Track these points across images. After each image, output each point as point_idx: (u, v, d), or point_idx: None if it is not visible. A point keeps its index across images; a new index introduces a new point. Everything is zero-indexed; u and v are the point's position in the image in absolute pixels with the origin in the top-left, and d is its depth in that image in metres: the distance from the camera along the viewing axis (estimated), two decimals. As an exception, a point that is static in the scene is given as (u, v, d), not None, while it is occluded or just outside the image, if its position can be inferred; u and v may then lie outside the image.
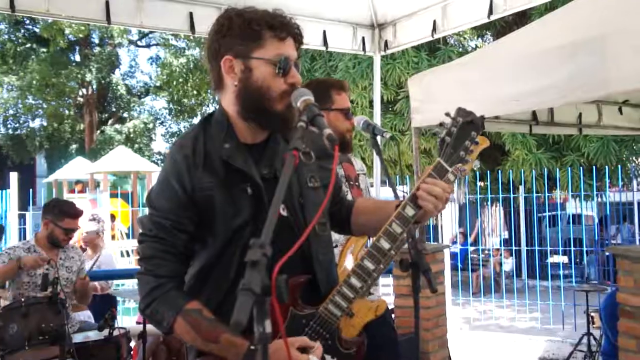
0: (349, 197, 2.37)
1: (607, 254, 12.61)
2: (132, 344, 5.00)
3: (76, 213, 4.60)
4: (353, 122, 3.08)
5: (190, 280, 1.87)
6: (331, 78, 3.37)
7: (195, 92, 24.29)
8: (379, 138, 2.61)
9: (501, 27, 12.73)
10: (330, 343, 1.84)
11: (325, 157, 1.91)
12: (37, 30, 23.08)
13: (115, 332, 4.22)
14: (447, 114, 1.87)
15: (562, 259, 11.78)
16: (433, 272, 2.09)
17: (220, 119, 1.89)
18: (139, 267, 1.84)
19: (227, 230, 1.81)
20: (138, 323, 5.58)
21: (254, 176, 1.82)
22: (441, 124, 1.88)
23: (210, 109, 26.20)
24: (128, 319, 7.84)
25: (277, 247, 1.54)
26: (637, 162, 12.88)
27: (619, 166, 10.77)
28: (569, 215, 14.06)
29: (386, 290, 6.16)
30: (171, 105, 26.31)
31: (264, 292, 1.25)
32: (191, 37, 21.14)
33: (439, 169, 1.84)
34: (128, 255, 14.65)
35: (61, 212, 4.53)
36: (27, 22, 23.45)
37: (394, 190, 2.32)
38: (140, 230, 1.86)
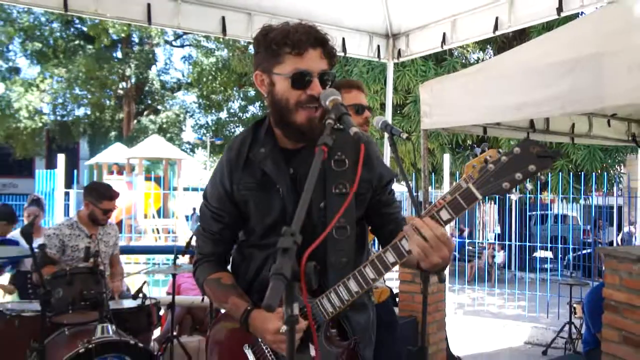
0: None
1: (585, 252, 12.56)
2: (161, 312, 5.03)
3: (112, 195, 4.58)
4: (367, 117, 2.95)
5: (234, 253, 2.02)
6: (342, 79, 3.33)
7: (222, 88, 24.29)
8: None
9: (502, 42, 12.65)
10: (318, 335, 1.75)
11: (368, 166, 1.83)
12: (84, 29, 23.22)
13: (147, 302, 4.25)
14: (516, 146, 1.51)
15: (547, 254, 11.71)
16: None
17: (265, 123, 1.90)
18: None
19: (262, 227, 1.88)
20: (168, 294, 5.60)
21: (279, 180, 1.82)
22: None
23: (236, 105, 26.24)
24: (157, 289, 7.89)
25: None
26: (619, 170, 12.77)
27: (605, 173, 10.66)
28: (556, 215, 13.96)
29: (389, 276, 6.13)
30: (200, 100, 26.32)
31: (293, 277, 1.22)
32: (221, 39, 21.15)
33: (467, 194, 1.55)
34: (158, 232, 14.73)
35: (100, 195, 4.52)
36: (77, 22, 23.58)
37: (409, 187, 2.27)
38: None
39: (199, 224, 2.04)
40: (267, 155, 1.83)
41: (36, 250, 3.40)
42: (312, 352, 1.74)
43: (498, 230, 14.13)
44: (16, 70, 24.26)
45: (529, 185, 1.54)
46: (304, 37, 1.72)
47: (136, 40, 25.65)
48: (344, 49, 5.48)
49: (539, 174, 1.50)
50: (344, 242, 1.83)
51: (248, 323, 1.79)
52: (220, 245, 1.97)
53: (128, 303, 4.30)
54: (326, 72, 1.75)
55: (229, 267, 2.04)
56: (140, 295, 4.23)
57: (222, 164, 1.92)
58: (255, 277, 1.90)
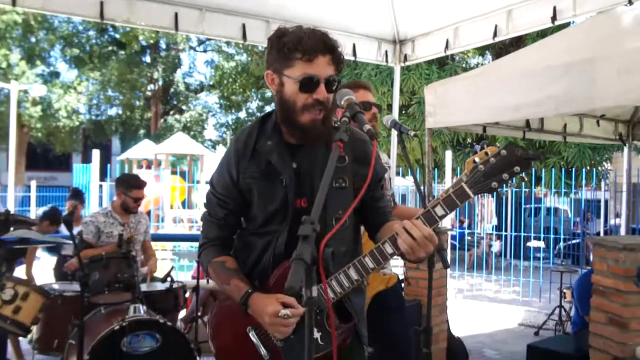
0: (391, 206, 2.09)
1: (574, 242, 12.47)
2: (187, 294, 5.06)
3: (140, 184, 4.64)
4: (374, 112, 2.90)
5: (236, 240, 1.96)
6: (351, 81, 3.29)
7: (241, 90, 24.26)
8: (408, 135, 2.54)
9: (499, 48, 12.54)
10: (319, 318, 1.74)
11: (365, 164, 1.75)
12: (117, 36, 23.32)
13: (174, 285, 4.29)
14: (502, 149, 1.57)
15: (539, 243, 11.64)
16: (438, 250, 1.92)
17: (272, 118, 1.87)
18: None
19: (263, 214, 1.83)
20: (193, 278, 5.64)
21: (284, 172, 1.79)
22: (486, 153, 1.62)
23: (254, 105, 26.25)
24: (182, 274, 7.92)
25: (292, 234, 1.49)
26: (606, 166, 12.67)
27: (593, 169, 10.57)
28: (548, 208, 13.88)
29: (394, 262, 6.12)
30: (221, 101, 26.30)
31: (312, 262, 1.23)
32: (241, 45, 21.14)
33: (459, 192, 1.62)
34: (182, 222, 14.81)
35: (129, 185, 4.58)
36: (110, 30, 23.67)
37: (416, 182, 2.27)
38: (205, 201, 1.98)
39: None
40: (273, 149, 1.81)
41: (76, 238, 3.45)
42: (315, 334, 1.72)
43: (495, 221, 14.04)
44: (56, 74, 24.43)
45: (513, 184, 1.59)
46: (315, 44, 1.69)
47: (163, 46, 25.70)
48: (355, 54, 5.45)
49: (522, 173, 1.57)
50: (343, 233, 1.80)
51: (248, 304, 1.75)
52: (225, 230, 1.92)
53: (157, 286, 4.34)
54: (332, 77, 1.73)
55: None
56: (169, 279, 4.27)
57: (229, 154, 1.88)
58: (256, 263, 1.85)
